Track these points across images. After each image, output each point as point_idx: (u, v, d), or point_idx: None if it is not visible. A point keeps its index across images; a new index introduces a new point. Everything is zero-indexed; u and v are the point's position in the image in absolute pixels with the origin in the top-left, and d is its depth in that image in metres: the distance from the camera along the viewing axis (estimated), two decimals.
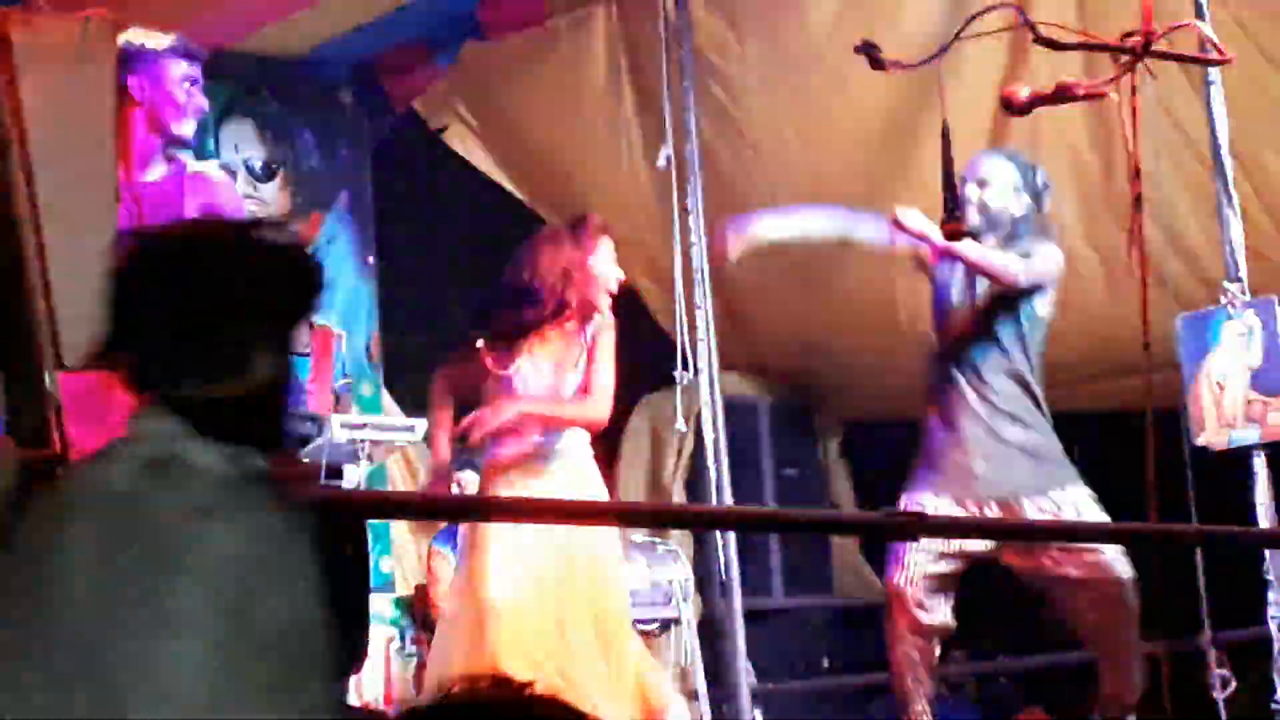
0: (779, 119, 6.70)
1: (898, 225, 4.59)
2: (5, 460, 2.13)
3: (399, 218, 7.92)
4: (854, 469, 8.07)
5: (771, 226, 4.90)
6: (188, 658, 1.68)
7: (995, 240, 4.67)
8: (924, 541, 4.53)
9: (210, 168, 4.32)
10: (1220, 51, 4.12)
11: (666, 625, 6.45)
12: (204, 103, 4.06)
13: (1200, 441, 4.90)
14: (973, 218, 4.63)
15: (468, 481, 6.55)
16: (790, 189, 6.70)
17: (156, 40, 3.98)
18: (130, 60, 3.87)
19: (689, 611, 6.41)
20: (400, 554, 7.59)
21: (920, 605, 4.62)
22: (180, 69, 4.00)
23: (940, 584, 4.66)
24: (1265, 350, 4.84)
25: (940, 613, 4.67)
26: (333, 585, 2.05)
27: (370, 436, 6.46)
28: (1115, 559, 4.55)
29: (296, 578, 1.77)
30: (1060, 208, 6.24)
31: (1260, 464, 4.85)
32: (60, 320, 2.25)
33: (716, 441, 6.04)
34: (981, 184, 4.68)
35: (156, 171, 3.94)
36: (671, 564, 6.53)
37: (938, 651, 4.75)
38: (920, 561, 4.60)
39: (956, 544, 4.62)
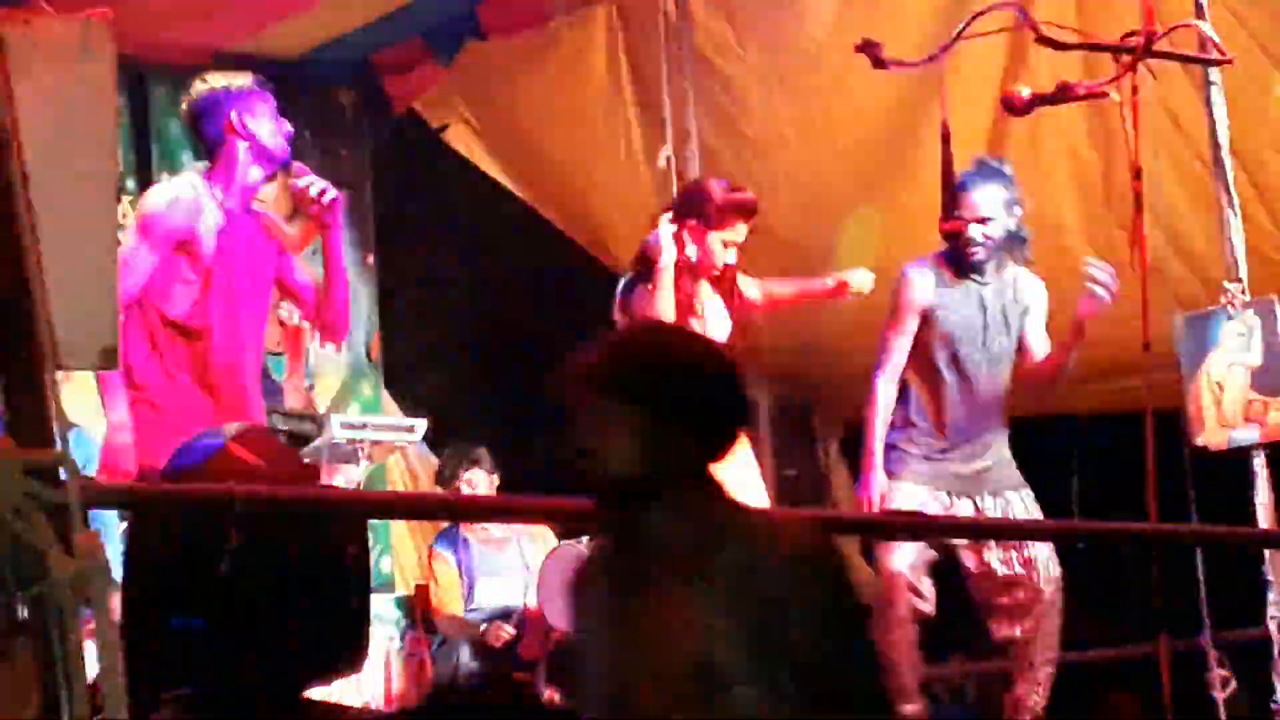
0: (779, 119, 6.70)
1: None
2: (5, 460, 2.13)
3: (399, 218, 7.92)
4: (854, 469, 8.07)
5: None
6: None
7: (997, 262, 4.83)
8: None
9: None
10: (1221, 51, 4.12)
11: None
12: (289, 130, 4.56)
13: (1200, 441, 4.89)
14: (980, 255, 4.78)
15: (476, 482, 6.56)
16: (790, 189, 6.70)
17: (242, 79, 4.46)
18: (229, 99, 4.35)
19: None
20: (400, 554, 7.59)
21: (916, 591, 4.69)
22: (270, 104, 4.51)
23: (927, 571, 4.74)
24: (1265, 350, 4.84)
25: (930, 600, 4.73)
26: (333, 585, 2.06)
27: (370, 436, 6.46)
28: (1050, 558, 4.75)
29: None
30: (1060, 208, 6.25)
31: (1260, 464, 4.85)
32: (60, 320, 2.25)
33: None
34: (983, 221, 4.75)
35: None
36: None
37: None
38: (917, 546, 4.68)
39: None
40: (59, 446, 2.15)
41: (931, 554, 4.77)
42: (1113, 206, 5.82)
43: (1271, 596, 4.76)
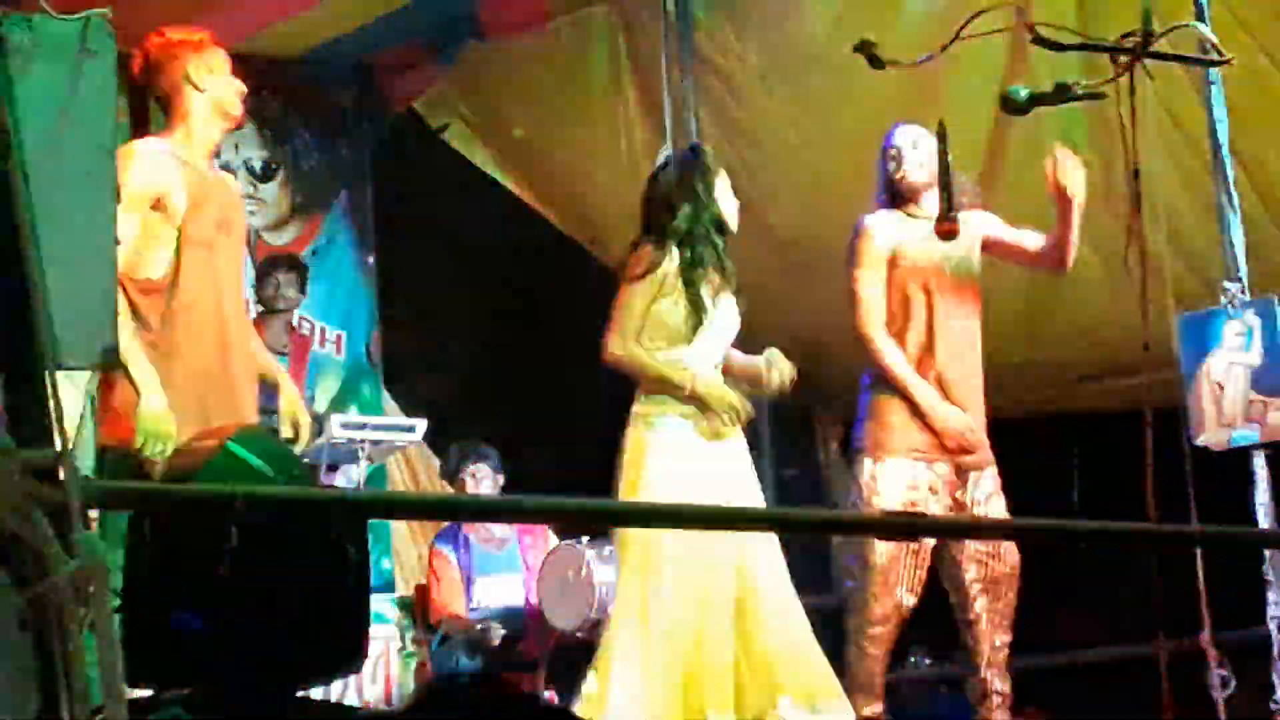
0: (779, 118, 6.70)
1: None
2: (5, 460, 2.13)
3: (399, 218, 7.92)
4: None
5: None
6: None
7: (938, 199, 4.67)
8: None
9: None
10: (1220, 52, 4.12)
11: None
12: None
13: (1200, 441, 4.89)
14: (917, 174, 4.68)
15: (481, 476, 6.56)
16: (791, 188, 6.71)
17: (199, 34, 4.30)
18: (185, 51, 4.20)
19: None
20: (400, 554, 7.59)
21: (907, 586, 4.62)
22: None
23: (919, 562, 4.68)
24: (1265, 350, 4.84)
25: (915, 593, 4.68)
26: (332, 585, 2.06)
27: (370, 436, 6.47)
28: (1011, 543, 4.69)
29: None
30: None
31: (1260, 464, 4.85)
32: (60, 320, 2.25)
33: None
34: (915, 145, 4.72)
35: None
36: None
37: None
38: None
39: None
40: (59, 446, 2.15)
41: (922, 543, 4.69)
42: (1113, 206, 5.82)
43: (1271, 596, 4.77)
